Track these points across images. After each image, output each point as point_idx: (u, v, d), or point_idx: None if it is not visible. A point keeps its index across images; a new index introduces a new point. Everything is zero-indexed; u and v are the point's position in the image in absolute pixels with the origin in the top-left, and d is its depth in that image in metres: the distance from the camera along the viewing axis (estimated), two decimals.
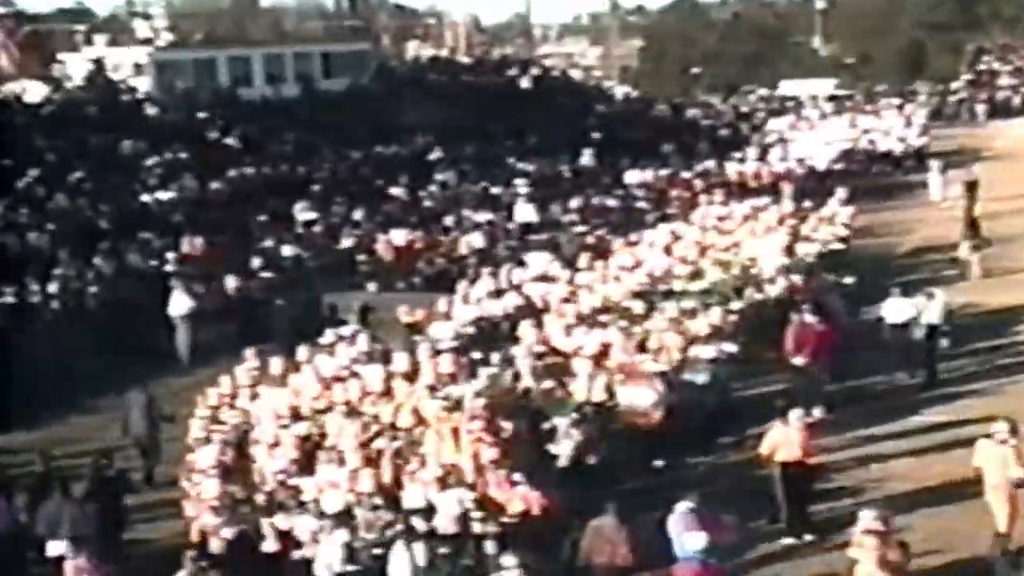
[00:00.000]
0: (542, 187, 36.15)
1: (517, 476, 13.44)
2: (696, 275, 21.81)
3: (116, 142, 34.92)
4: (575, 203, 33.52)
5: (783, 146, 44.27)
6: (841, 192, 30.08)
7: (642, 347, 17.57)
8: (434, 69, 52.72)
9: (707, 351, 17.63)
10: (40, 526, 13.67)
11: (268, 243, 28.57)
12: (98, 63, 40.47)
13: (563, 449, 15.17)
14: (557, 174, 39.09)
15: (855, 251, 27.17)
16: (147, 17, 49.34)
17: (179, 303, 23.50)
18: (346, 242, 29.76)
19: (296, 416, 15.49)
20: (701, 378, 17.12)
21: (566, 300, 20.44)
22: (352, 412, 15.14)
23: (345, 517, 13.06)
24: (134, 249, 27.01)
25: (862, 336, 20.22)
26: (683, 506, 12.28)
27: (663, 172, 38.66)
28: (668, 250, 23.99)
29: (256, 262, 26.54)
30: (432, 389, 15.47)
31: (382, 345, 18.12)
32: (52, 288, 23.88)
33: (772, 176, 38.26)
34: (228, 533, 13.03)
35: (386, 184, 35.63)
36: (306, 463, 14.33)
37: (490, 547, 12.96)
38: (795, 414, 14.29)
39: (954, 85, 68.56)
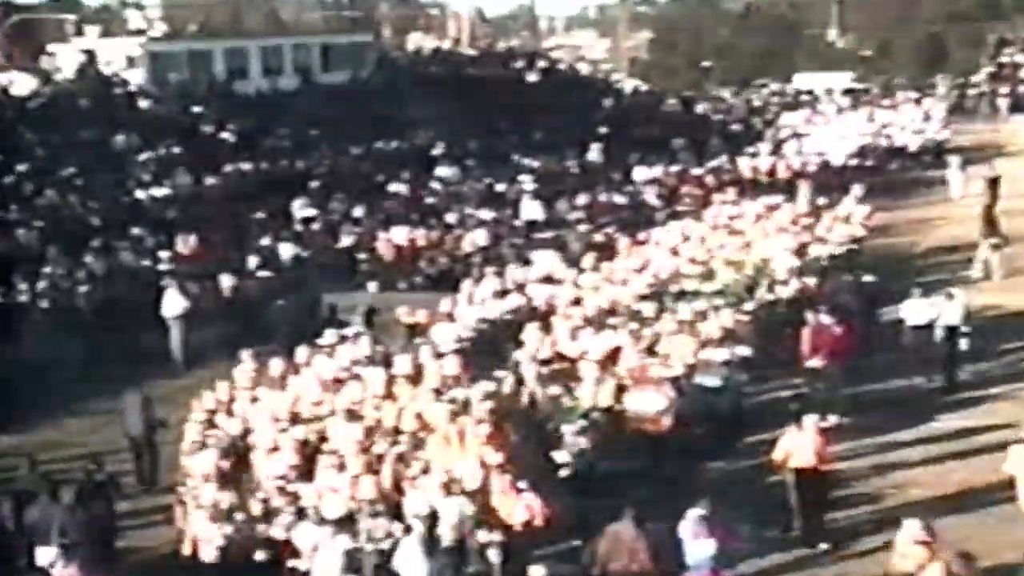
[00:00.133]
0: (548, 183, 35.73)
1: (522, 484, 13.18)
2: (707, 276, 21.50)
3: (108, 136, 34.71)
4: (582, 200, 33.09)
5: (797, 141, 43.88)
6: (857, 189, 29.62)
7: (651, 351, 17.24)
8: (437, 62, 52.37)
9: (719, 354, 17.31)
10: (28, 532, 13.36)
11: (265, 241, 28.16)
12: (89, 54, 40.13)
13: (569, 457, 14.81)
14: (564, 170, 38.69)
15: (872, 250, 26.76)
16: (140, 7, 49.02)
17: (173, 303, 23.06)
18: (346, 240, 29.37)
19: (295, 420, 15.23)
20: (713, 382, 16.81)
21: (574, 303, 20.06)
22: (353, 415, 14.88)
23: (346, 523, 12.83)
24: (126, 247, 26.77)
25: (880, 338, 19.94)
26: (694, 513, 12.15)
27: (673, 168, 38.25)
28: (675, 251, 23.61)
29: (253, 261, 26.20)
30: (437, 392, 15.22)
31: (384, 347, 17.80)
32: (41, 287, 23.65)
33: (787, 172, 37.80)
34: (222, 541, 12.90)
35: (387, 180, 35.45)
36: (306, 468, 14.06)
37: (493, 556, 12.86)
38: (810, 419, 14.12)
39: (975, 78, 67.40)
